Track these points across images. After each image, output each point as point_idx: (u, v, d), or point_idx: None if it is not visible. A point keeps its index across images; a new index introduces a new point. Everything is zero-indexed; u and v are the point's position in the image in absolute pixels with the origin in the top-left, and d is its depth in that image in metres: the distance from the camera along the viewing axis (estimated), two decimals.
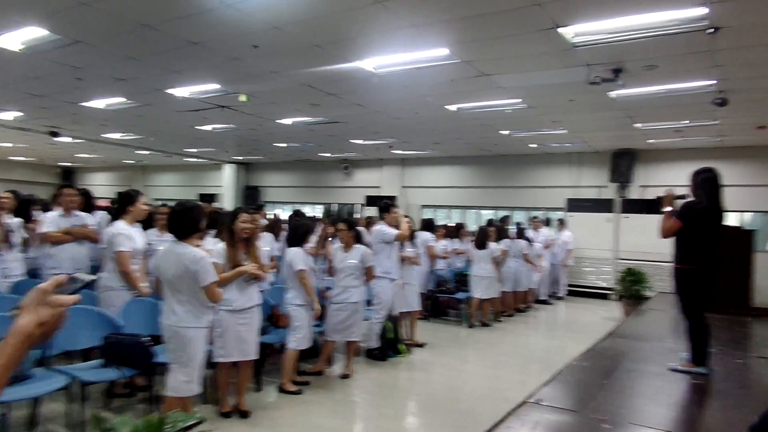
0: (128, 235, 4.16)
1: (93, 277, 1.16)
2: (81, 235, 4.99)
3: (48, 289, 1.05)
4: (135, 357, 3.67)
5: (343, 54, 6.00)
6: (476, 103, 8.11)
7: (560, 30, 5.00)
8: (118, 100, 8.86)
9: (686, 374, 3.61)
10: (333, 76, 6.87)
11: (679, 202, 3.83)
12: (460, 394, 4.88)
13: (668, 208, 3.83)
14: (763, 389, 3.30)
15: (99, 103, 9.17)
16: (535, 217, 11.08)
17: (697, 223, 3.66)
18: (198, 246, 3.39)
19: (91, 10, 4.94)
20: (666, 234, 3.81)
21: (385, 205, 6.02)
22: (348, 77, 6.88)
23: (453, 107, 8.42)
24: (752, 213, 10.98)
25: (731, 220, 8.68)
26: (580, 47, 5.41)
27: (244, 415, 4.07)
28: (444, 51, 5.73)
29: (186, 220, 3.35)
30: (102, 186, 21.12)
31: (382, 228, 5.82)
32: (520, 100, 7.80)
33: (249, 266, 3.92)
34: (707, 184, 3.70)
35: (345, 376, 5.12)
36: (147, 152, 16.11)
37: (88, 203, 5.53)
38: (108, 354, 3.69)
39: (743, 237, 6.14)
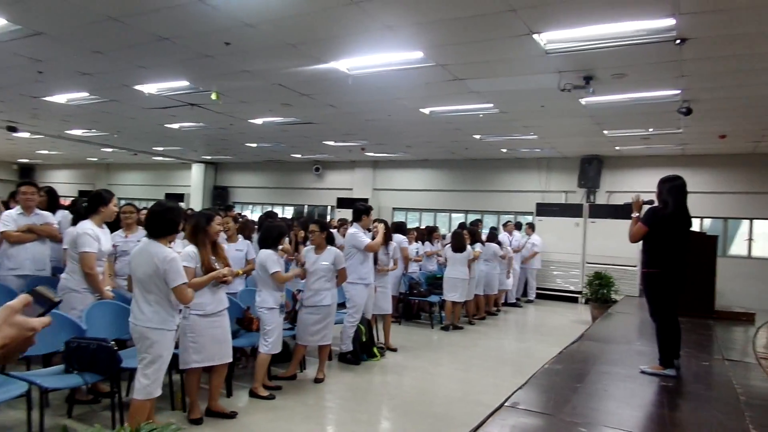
0: (94, 235, 4.01)
1: (59, 298, 1.09)
2: (45, 234, 4.78)
3: (17, 308, 0.97)
4: (99, 362, 3.53)
5: (317, 54, 5.94)
6: (449, 106, 8.16)
7: (534, 36, 5.06)
8: (81, 95, 8.56)
9: (655, 376, 3.67)
10: (306, 76, 6.80)
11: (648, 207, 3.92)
12: (434, 397, 4.86)
13: (635, 214, 3.92)
14: (730, 390, 3.38)
15: (61, 98, 8.85)
16: (508, 222, 11.19)
17: (662, 228, 3.74)
18: (170, 247, 3.37)
19: (55, 1, 4.74)
20: (633, 239, 3.90)
21: (360, 208, 5.96)
22: (321, 78, 6.82)
23: (426, 110, 8.45)
24: (711, 219, 11.38)
25: (694, 226, 8.95)
26: (552, 54, 5.49)
27: (227, 415, 4.04)
28: (418, 54, 5.74)
29: (164, 220, 3.34)
30: (64, 184, 20.39)
31: (356, 233, 5.76)
32: (492, 104, 7.88)
33: (224, 270, 3.88)
34: (674, 191, 3.77)
35: (318, 381, 5.04)
36: (111, 150, 15.63)
37: (52, 202, 5.31)
38: (70, 359, 3.53)
39: (708, 242, 6.32)
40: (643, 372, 3.79)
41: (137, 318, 3.28)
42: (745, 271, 10.54)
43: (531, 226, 11.24)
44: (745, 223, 11.12)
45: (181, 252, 3.71)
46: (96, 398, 4.16)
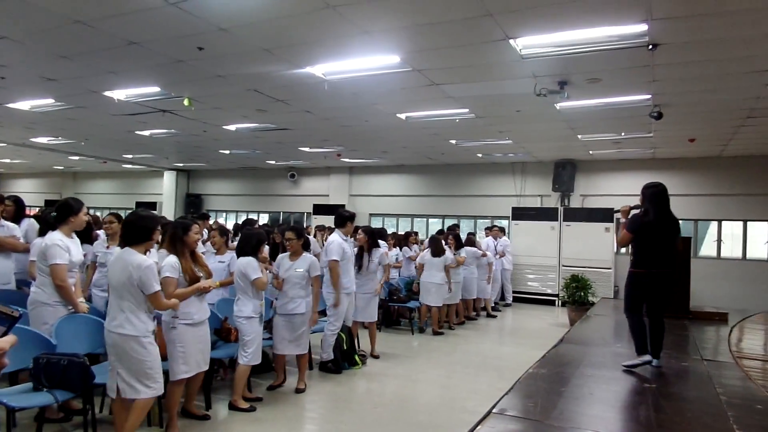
0: (64, 246, 3.87)
1: (19, 311, 1.00)
2: (8, 247, 4.57)
3: None
4: (71, 379, 3.39)
5: (292, 59, 5.86)
6: (426, 112, 8.16)
7: (511, 41, 5.09)
8: (46, 101, 8.28)
9: (635, 366, 3.91)
10: (282, 81, 6.70)
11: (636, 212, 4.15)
12: (417, 405, 4.79)
13: (623, 220, 4.15)
14: (711, 391, 3.42)
15: (24, 105, 8.54)
16: (494, 226, 11.22)
17: (644, 232, 3.97)
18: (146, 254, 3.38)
19: (17, 3, 4.56)
20: (621, 244, 4.22)
21: (345, 215, 5.88)
22: (297, 83, 6.73)
23: (402, 116, 8.43)
24: (682, 221, 11.63)
25: None
26: (528, 59, 5.53)
27: (201, 417, 4.13)
28: (395, 59, 5.71)
29: (138, 228, 3.38)
30: (29, 194, 19.71)
31: (332, 243, 5.69)
32: (468, 109, 7.91)
33: (209, 282, 3.90)
34: (654, 198, 3.99)
35: (299, 391, 4.93)
36: (79, 158, 15.19)
37: (19, 212, 5.09)
38: (38, 376, 3.38)
39: (683, 244, 6.45)
40: (625, 367, 3.96)
41: (111, 325, 3.28)
42: (714, 272, 10.81)
43: (502, 230, 11.28)
44: (714, 224, 11.42)
45: (157, 262, 3.65)
46: (67, 416, 4.00)
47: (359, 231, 6.25)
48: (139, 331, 3.26)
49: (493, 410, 2.82)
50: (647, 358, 3.93)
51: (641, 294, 3.99)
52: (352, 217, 5.90)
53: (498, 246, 10.79)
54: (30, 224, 5.08)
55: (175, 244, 3.82)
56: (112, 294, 3.34)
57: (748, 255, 11.06)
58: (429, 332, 7.84)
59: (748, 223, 11.08)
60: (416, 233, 10.29)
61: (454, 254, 8.26)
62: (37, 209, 11.00)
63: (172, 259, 3.74)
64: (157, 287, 3.29)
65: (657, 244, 3.93)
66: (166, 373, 3.66)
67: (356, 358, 5.89)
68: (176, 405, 3.85)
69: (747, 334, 5.96)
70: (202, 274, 3.90)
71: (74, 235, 4.06)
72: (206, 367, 4.00)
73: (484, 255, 9.42)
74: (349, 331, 5.91)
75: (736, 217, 11.09)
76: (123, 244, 3.42)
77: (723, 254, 11.27)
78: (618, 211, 4.29)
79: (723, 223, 11.29)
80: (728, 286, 10.69)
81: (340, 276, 5.56)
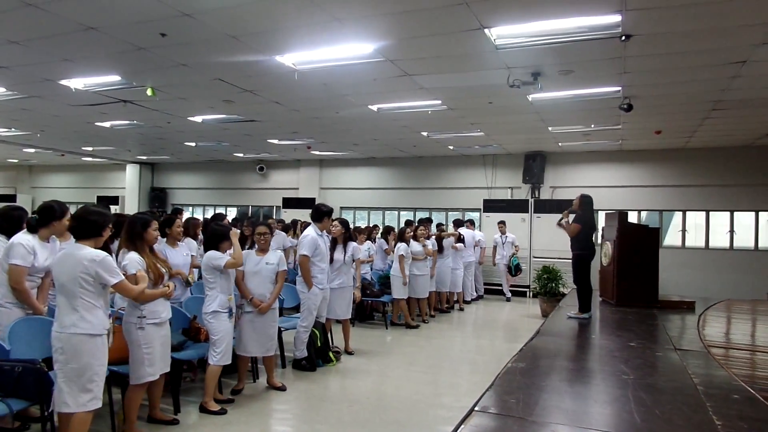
0: (29, 248, 3.65)
1: None
2: None
3: None
4: (26, 386, 3.19)
5: (261, 47, 5.65)
6: (397, 103, 8.05)
7: (485, 31, 5.01)
8: None
9: (577, 320, 5.73)
10: (249, 71, 6.48)
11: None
12: (394, 402, 4.70)
13: (566, 219, 6.12)
14: (688, 381, 3.44)
15: None
16: (470, 220, 11.18)
17: (585, 226, 5.96)
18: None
19: None
20: (573, 234, 5.99)
21: (323, 209, 5.72)
22: (266, 73, 6.52)
23: (374, 107, 8.30)
24: (647, 211, 11.92)
25: (631, 218, 9.33)
26: (502, 50, 5.47)
27: (170, 422, 3.96)
28: (368, 48, 5.57)
29: (88, 222, 3.20)
30: None
31: (307, 237, 5.54)
32: (440, 101, 7.83)
33: (171, 285, 3.79)
34: (588, 206, 6.11)
35: (279, 388, 4.83)
36: (35, 150, 14.50)
37: None
38: None
39: (651, 234, 6.56)
40: (569, 317, 5.86)
41: (62, 326, 3.04)
42: (679, 261, 11.08)
43: (471, 222, 11.27)
44: (678, 214, 11.70)
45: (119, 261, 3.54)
46: (24, 424, 3.78)
47: (335, 222, 6.06)
48: (96, 328, 3.06)
49: (475, 408, 2.74)
50: (588, 315, 5.85)
51: (587, 267, 6.01)
52: (329, 212, 5.74)
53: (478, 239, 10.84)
54: None
55: (134, 240, 3.65)
56: (60, 294, 3.11)
57: (711, 244, 11.38)
58: (398, 324, 7.80)
59: (711, 213, 11.39)
60: (376, 226, 10.25)
61: (424, 245, 8.20)
62: None
63: (135, 256, 3.57)
64: (120, 277, 3.16)
65: (589, 235, 6.03)
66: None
67: (330, 355, 5.76)
68: (136, 410, 3.69)
69: (714, 322, 6.09)
70: (164, 270, 3.75)
71: (55, 240, 3.90)
72: (167, 369, 3.82)
73: (456, 249, 9.38)
74: (323, 327, 5.78)
75: (700, 207, 11.38)
76: (74, 238, 3.26)
77: (687, 244, 11.57)
78: (574, 211, 6.11)
79: (687, 213, 11.58)
80: (692, 275, 10.99)
81: (311, 271, 5.43)
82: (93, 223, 3.19)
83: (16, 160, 18.01)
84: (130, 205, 16.51)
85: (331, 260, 5.83)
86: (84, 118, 9.72)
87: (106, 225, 3.25)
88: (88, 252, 3.09)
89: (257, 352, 4.75)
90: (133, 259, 3.55)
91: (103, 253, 3.14)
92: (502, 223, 11.14)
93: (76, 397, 3.00)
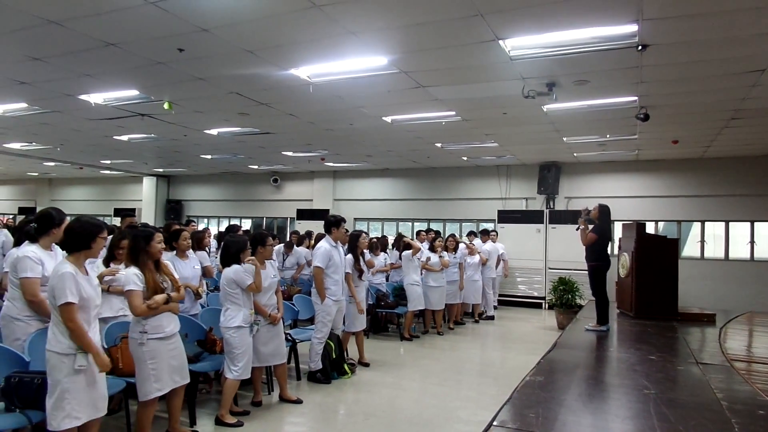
0: (37, 259, 3.64)
1: None
2: None
3: None
4: (45, 398, 3.18)
5: (276, 61, 5.70)
6: (411, 114, 8.05)
7: (500, 42, 5.01)
8: (19, 105, 7.98)
9: (595, 332, 5.53)
10: (265, 84, 6.54)
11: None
12: (411, 416, 4.65)
13: (582, 227, 5.82)
14: (711, 396, 3.36)
15: None
16: (492, 230, 11.04)
17: (601, 237, 5.74)
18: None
19: None
20: (588, 243, 5.78)
21: (330, 220, 5.74)
22: (281, 86, 6.58)
23: (388, 119, 8.32)
24: (665, 222, 11.75)
25: (648, 228, 9.20)
26: (517, 60, 5.46)
27: None
28: (382, 60, 5.59)
29: (75, 234, 3.08)
30: (2, 201, 19.17)
31: (320, 248, 5.55)
32: (454, 112, 7.83)
33: (174, 296, 3.72)
34: (606, 216, 5.84)
35: (296, 401, 4.81)
36: (54, 164, 14.77)
37: None
38: (10, 396, 3.19)
39: (670, 246, 6.44)
40: (587, 329, 5.63)
41: (47, 341, 3.02)
42: (697, 272, 10.88)
43: (486, 233, 11.13)
44: (697, 225, 11.52)
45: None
46: None
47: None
48: (62, 348, 2.94)
49: (494, 423, 2.70)
50: (606, 328, 5.63)
51: (603, 278, 5.73)
52: (337, 222, 5.73)
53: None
54: (5, 235, 4.84)
55: (137, 255, 3.62)
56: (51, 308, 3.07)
57: (731, 255, 11.17)
58: (424, 337, 7.71)
59: (730, 223, 11.19)
60: (385, 237, 10.22)
61: (440, 257, 8.16)
62: (8, 217, 10.60)
63: (134, 271, 3.55)
64: (66, 299, 2.88)
65: (606, 245, 5.84)
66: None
67: (345, 367, 5.74)
68: (149, 425, 3.63)
69: (736, 335, 5.95)
70: (167, 285, 3.69)
71: (56, 248, 3.84)
72: (184, 381, 3.77)
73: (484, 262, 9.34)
74: (338, 339, 5.76)
75: (719, 218, 11.19)
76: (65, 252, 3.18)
77: (706, 255, 11.37)
78: (588, 212, 5.93)
79: (706, 223, 11.39)
80: (711, 287, 10.78)
81: (325, 283, 5.43)
82: (78, 236, 3.06)
83: (36, 174, 18.34)
84: (148, 217, 16.69)
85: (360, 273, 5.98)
86: (102, 131, 9.88)
87: (94, 237, 3.09)
88: (58, 267, 3.01)
89: (274, 360, 4.73)
90: (130, 276, 3.53)
91: (66, 270, 2.96)
92: (494, 232, 11.05)
93: (52, 413, 2.94)
